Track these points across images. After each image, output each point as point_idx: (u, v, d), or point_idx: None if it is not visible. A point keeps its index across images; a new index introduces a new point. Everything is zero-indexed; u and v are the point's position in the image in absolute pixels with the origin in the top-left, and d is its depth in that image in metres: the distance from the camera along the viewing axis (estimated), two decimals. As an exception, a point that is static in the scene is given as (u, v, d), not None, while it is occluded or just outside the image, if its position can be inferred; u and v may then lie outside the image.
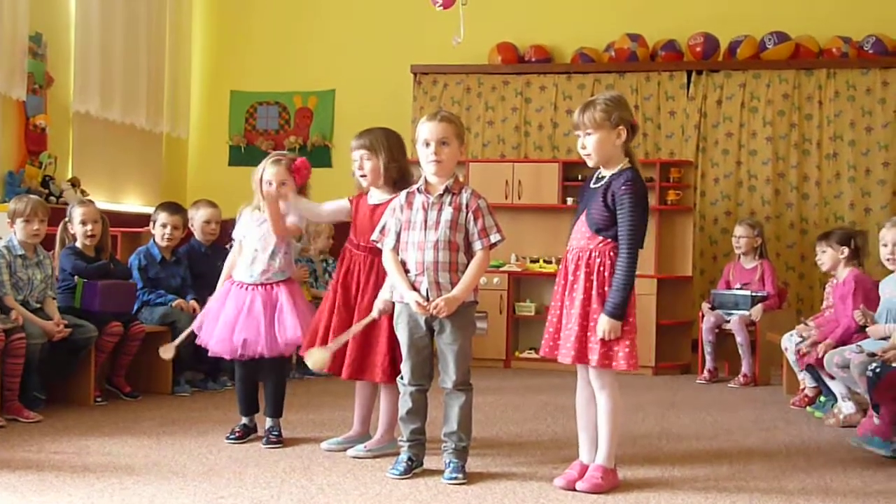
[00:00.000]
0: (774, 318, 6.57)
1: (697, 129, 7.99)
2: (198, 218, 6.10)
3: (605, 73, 8.17)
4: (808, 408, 5.44)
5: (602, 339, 3.49)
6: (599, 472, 3.54)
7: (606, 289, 3.51)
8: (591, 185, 3.63)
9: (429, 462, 3.82)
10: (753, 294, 6.65)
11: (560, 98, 8.23)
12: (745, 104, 7.95)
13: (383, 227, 3.83)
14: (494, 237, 3.71)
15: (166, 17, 8.58)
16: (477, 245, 3.71)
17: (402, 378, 3.79)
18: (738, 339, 6.52)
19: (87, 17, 7.54)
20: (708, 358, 6.69)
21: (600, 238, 3.54)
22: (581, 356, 3.53)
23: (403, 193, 3.85)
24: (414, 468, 3.74)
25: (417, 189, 3.80)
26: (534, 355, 7.35)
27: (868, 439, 4.15)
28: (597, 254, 3.54)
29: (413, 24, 8.56)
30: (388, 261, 3.79)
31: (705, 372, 6.70)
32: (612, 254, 3.53)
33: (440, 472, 3.70)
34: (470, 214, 3.71)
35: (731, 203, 7.95)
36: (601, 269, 3.53)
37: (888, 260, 4.66)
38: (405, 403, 3.76)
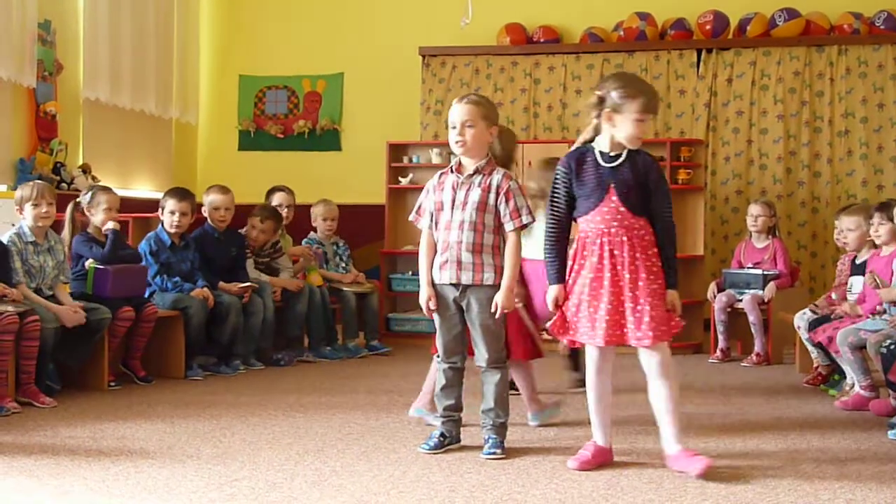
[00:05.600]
0: (787, 297, 6.54)
1: (708, 108, 7.95)
2: (207, 204, 6.18)
3: (614, 52, 8.12)
4: (821, 386, 5.43)
5: (669, 313, 3.50)
6: (690, 452, 3.53)
7: (656, 265, 3.52)
8: (607, 165, 3.57)
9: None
10: (765, 273, 6.61)
11: (569, 78, 8.19)
12: (756, 82, 7.90)
13: (419, 208, 3.92)
14: (526, 218, 3.78)
15: (174, 2, 8.56)
16: (508, 226, 3.77)
17: (437, 355, 3.89)
18: (751, 318, 6.50)
19: (95, 4, 7.53)
20: (720, 337, 6.67)
21: (640, 217, 3.55)
22: (662, 334, 3.49)
23: (437, 174, 3.91)
24: (447, 444, 3.82)
25: (450, 169, 3.86)
26: (544, 336, 7.33)
27: None
28: (644, 232, 3.54)
29: (421, 6, 8.53)
30: (421, 243, 3.89)
31: (717, 351, 6.69)
32: (651, 230, 3.56)
33: (453, 452, 3.74)
34: (501, 196, 3.77)
35: (742, 182, 7.91)
36: (651, 246, 3.54)
37: None
38: (440, 380, 3.86)
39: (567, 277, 3.64)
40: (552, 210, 3.65)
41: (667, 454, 3.57)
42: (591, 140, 3.63)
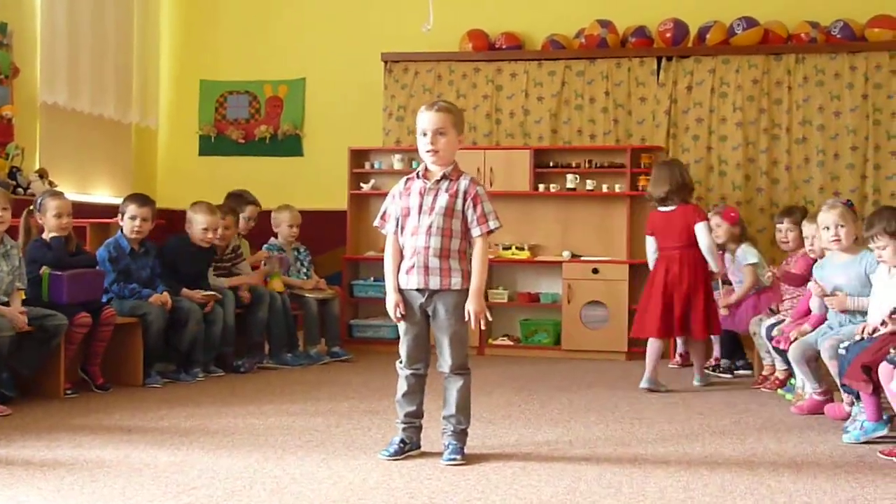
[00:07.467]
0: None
1: (668, 115, 8.01)
2: (195, 223, 6.12)
3: (575, 59, 8.16)
4: (779, 391, 5.49)
5: None
6: None
7: None
8: None
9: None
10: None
11: (531, 85, 8.21)
12: (715, 90, 7.97)
13: (384, 213, 3.89)
14: (493, 223, 3.79)
15: (134, 5, 8.48)
16: (475, 231, 3.77)
17: (399, 362, 3.86)
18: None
19: (53, 7, 7.44)
20: (679, 343, 6.72)
21: None
22: None
23: (403, 179, 3.90)
24: (407, 450, 3.81)
25: (416, 174, 3.85)
26: (507, 342, 7.38)
27: (861, 432, 4.16)
28: None
29: (383, 12, 8.52)
30: (387, 249, 3.86)
31: (676, 356, 6.75)
32: None
33: (414, 458, 3.73)
34: (469, 201, 3.77)
35: (702, 188, 7.96)
36: None
37: (832, 241, 4.66)
38: (401, 386, 3.84)
39: None
40: None
41: None
42: None
